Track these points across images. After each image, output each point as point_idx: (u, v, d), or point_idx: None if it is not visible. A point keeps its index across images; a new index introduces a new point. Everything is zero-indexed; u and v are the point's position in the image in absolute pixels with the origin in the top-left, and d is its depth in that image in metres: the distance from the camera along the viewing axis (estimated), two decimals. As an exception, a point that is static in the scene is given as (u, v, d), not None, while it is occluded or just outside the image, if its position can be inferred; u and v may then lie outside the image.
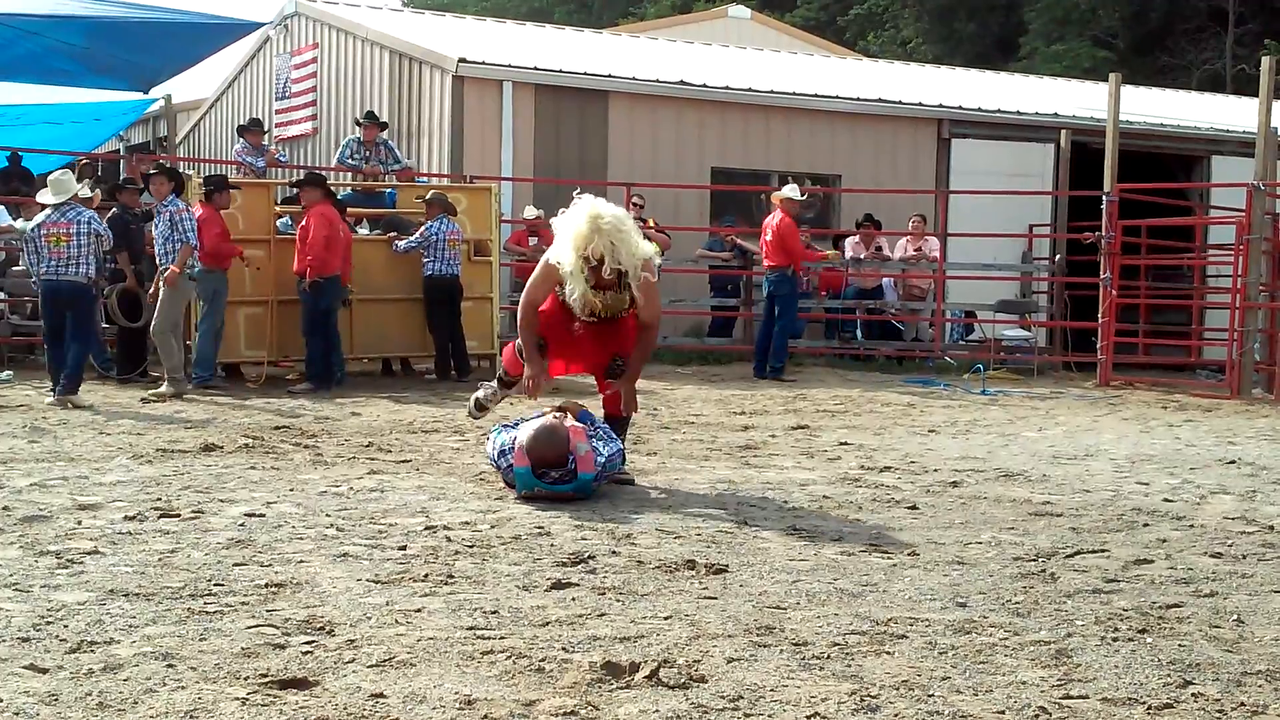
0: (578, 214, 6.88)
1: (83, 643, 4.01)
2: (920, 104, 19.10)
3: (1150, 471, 8.28)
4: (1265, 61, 14.57)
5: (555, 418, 6.92)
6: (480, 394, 7.71)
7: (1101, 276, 15.54)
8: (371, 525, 5.98)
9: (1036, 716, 3.56)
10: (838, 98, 18.72)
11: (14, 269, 14.70)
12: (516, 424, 7.04)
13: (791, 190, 14.72)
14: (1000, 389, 14.15)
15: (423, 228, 13.29)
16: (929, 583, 5.09)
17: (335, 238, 12.35)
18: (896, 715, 3.49)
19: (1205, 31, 40.99)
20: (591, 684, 3.73)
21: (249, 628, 4.22)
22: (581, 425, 6.92)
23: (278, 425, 9.57)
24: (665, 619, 4.45)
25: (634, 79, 17.63)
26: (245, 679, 3.70)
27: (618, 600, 4.70)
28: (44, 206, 11.09)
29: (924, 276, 17.27)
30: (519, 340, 7.31)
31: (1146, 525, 6.43)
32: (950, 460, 8.57)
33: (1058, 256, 17.88)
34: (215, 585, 4.77)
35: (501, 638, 4.16)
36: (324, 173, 14.09)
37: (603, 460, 6.81)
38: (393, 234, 13.75)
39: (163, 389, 11.41)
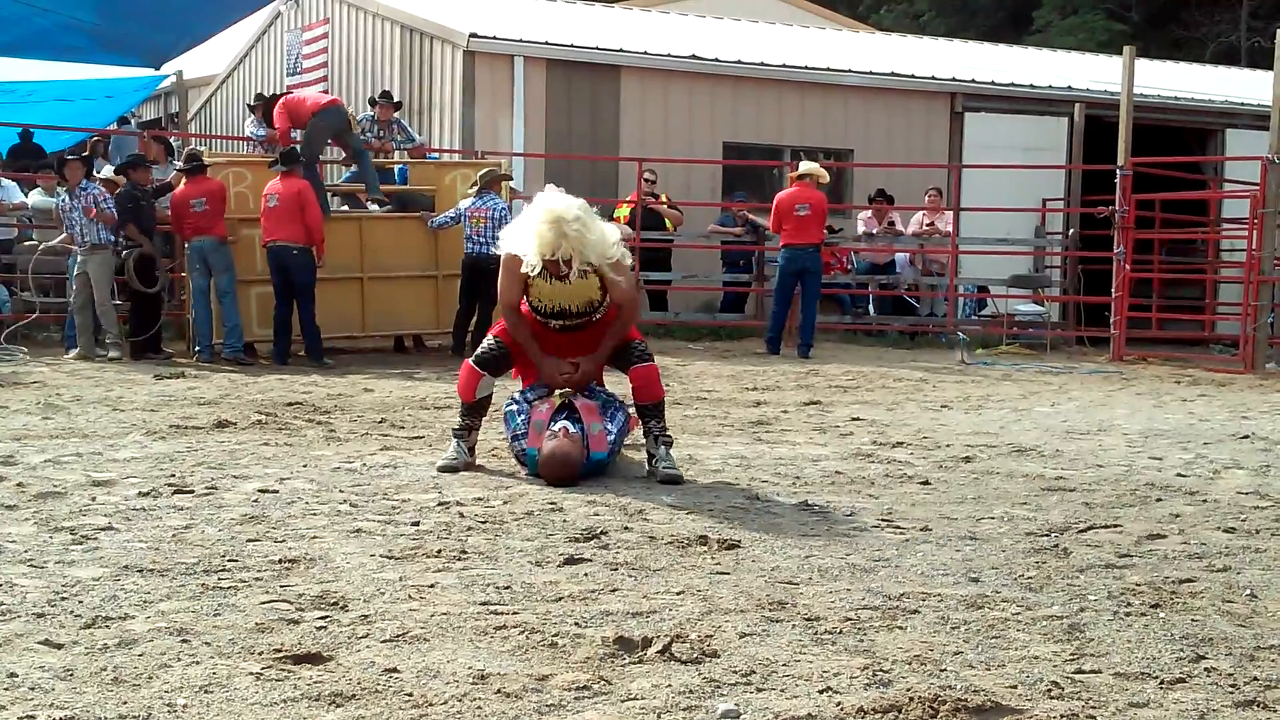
0: (536, 216, 6.47)
1: (97, 618, 4.02)
2: (933, 78, 19.03)
3: (1163, 446, 8.27)
4: (1280, 34, 14.48)
5: (565, 432, 6.60)
6: (448, 455, 6.91)
7: (1115, 251, 15.48)
8: (384, 501, 5.99)
9: (1049, 691, 3.56)
10: (850, 71, 18.66)
11: (26, 244, 14.74)
12: (529, 400, 6.97)
13: (815, 165, 14.65)
14: (993, 358, 14.12)
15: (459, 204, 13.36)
16: (941, 558, 5.09)
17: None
18: (909, 689, 3.49)
19: (1220, 4, 40.77)
20: (604, 659, 3.74)
21: (263, 603, 4.23)
22: (593, 402, 6.89)
23: (290, 402, 9.59)
24: (677, 594, 4.46)
25: (646, 53, 17.59)
26: (259, 654, 3.71)
27: (630, 575, 4.71)
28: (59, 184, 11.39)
29: (938, 251, 17.23)
30: (475, 358, 6.92)
31: (1159, 500, 6.42)
32: (963, 435, 8.56)
33: (1071, 231, 17.82)
34: (229, 561, 4.78)
35: (514, 613, 4.17)
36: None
37: (613, 438, 6.79)
38: (388, 208, 13.89)
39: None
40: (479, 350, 6.99)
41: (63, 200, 12.50)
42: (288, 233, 12.30)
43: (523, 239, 6.55)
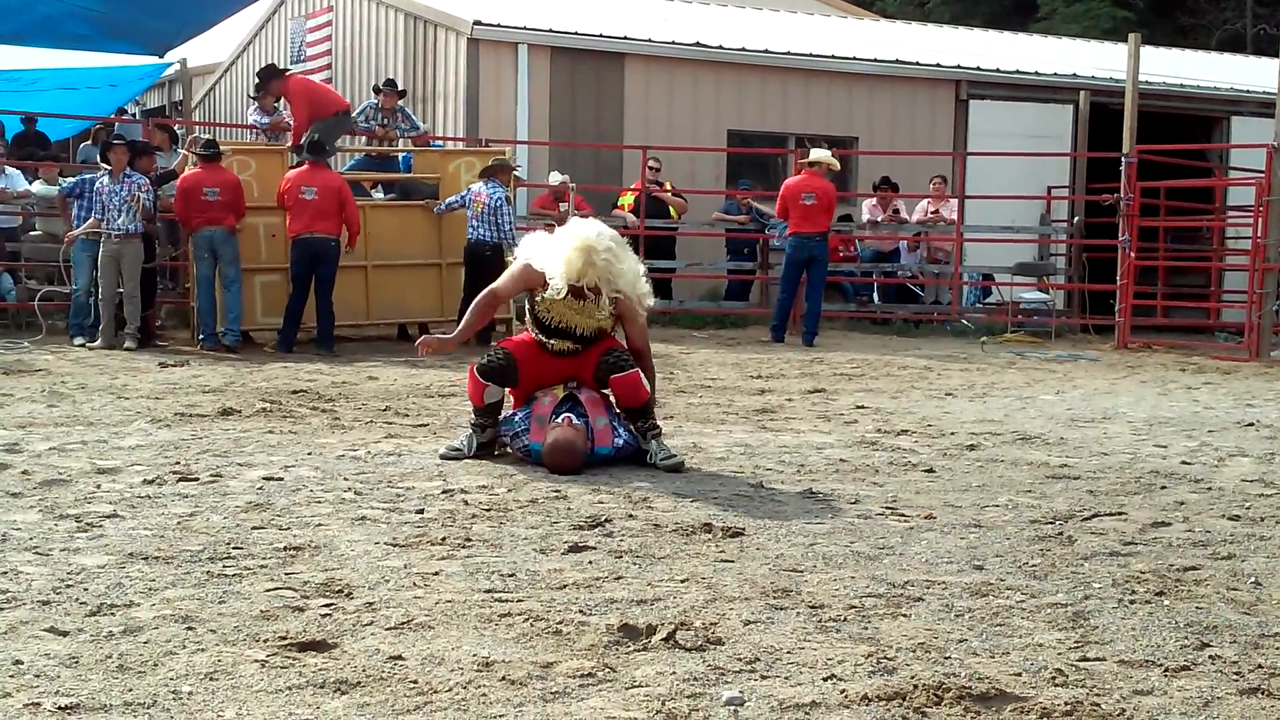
0: (569, 241, 6.52)
1: (102, 605, 4.03)
2: (938, 65, 18.98)
3: (1168, 434, 8.26)
4: (1286, 21, 14.43)
5: (569, 422, 6.61)
6: (453, 443, 6.98)
7: (1120, 238, 15.46)
8: (389, 489, 5.99)
9: (1053, 679, 3.56)
10: (855, 59, 18.61)
11: (31, 234, 14.74)
12: (527, 405, 6.93)
13: (826, 154, 14.62)
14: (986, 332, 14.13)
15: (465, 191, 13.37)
16: (946, 545, 5.09)
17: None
18: (913, 677, 3.50)
19: (1226, -9, 40.64)
20: (608, 646, 3.74)
21: (268, 590, 4.24)
22: (599, 397, 6.88)
23: (295, 390, 9.60)
24: (682, 582, 4.46)
25: (650, 41, 17.55)
26: (264, 641, 3.72)
27: (634, 563, 4.71)
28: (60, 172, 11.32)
29: (943, 239, 17.21)
30: (479, 368, 6.83)
31: (1164, 488, 6.42)
32: (967, 423, 8.55)
33: (1076, 218, 17.80)
34: (234, 548, 4.79)
35: (519, 600, 4.18)
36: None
37: (620, 443, 6.76)
38: (391, 196, 13.90)
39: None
40: (484, 361, 6.88)
41: (101, 183, 12.43)
42: (326, 226, 12.39)
43: (552, 260, 6.56)
